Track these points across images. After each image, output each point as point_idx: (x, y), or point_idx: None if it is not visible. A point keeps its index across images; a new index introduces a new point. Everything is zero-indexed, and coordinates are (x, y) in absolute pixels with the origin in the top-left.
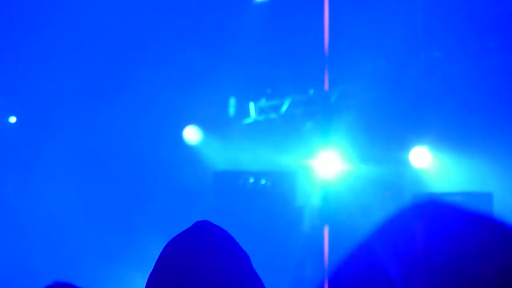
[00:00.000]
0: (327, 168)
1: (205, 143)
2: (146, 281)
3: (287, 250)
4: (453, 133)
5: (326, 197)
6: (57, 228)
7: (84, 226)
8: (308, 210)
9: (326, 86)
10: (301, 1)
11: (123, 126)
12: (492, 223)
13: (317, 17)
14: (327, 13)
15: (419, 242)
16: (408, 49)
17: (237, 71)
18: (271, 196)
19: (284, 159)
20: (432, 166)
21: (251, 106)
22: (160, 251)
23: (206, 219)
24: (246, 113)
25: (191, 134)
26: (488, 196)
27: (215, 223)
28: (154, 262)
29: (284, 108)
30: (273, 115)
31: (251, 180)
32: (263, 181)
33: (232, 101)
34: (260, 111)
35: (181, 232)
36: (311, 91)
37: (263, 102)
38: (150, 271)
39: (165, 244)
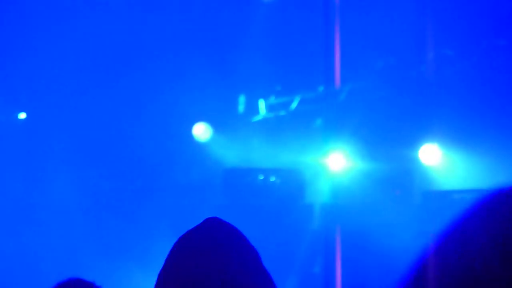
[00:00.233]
0: (337, 165)
1: (215, 140)
2: (156, 277)
3: (296, 248)
4: (463, 130)
5: (335, 194)
6: (66, 223)
7: (93, 222)
8: (318, 207)
9: (336, 83)
10: None
11: (132, 122)
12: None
13: (327, 14)
14: (338, 11)
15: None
16: (418, 46)
17: (246, 68)
18: (280, 193)
19: (293, 156)
20: (442, 163)
21: (261, 103)
22: (170, 247)
23: (215, 216)
24: (256, 110)
25: (201, 131)
26: None
27: (225, 220)
28: (164, 259)
29: (294, 105)
30: (282, 112)
31: (261, 177)
32: (272, 178)
33: (241, 98)
34: (270, 108)
35: (191, 229)
36: (321, 88)
37: (272, 99)
38: (160, 267)
39: (175, 241)
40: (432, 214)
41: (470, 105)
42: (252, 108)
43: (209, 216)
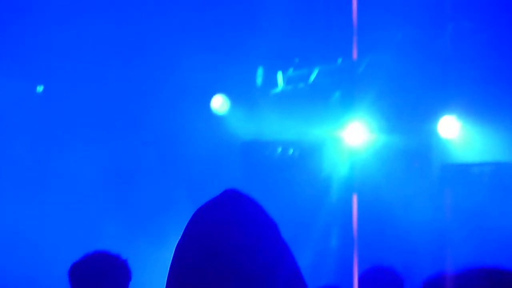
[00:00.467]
0: (355, 138)
1: (233, 113)
2: (174, 248)
3: (313, 221)
4: (481, 103)
5: (353, 167)
6: (83, 196)
7: (111, 195)
8: (336, 180)
9: (355, 55)
10: None
11: (150, 95)
12: None
13: None
14: None
15: None
16: (437, 18)
17: (265, 41)
18: (298, 166)
19: (312, 129)
20: (461, 136)
21: (279, 75)
22: (188, 219)
23: (234, 188)
24: (274, 83)
25: (219, 104)
26: None
27: (243, 192)
28: (182, 231)
29: (312, 77)
30: (301, 85)
31: (279, 150)
32: (290, 151)
33: (259, 71)
34: (288, 80)
35: (210, 200)
36: (339, 61)
37: (291, 71)
38: (178, 239)
39: (193, 213)
40: (450, 187)
41: (488, 77)
42: (270, 81)
43: (227, 188)
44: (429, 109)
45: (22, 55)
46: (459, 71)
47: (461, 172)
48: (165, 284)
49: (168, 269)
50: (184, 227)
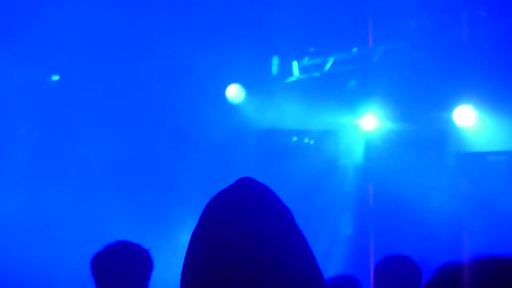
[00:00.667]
0: (371, 126)
1: (248, 102)
2: (190, 236)
3: (329, 209)
4: (497, 92)
5: (369, 156)
6: (99, 183)
7: (127, 182)
8: (351, 169)
9: (370, 44)
10: None
11: (166, 85)
12: None
13: None
14: None
15: None
16: (452, 7)
17: (280, 30)
18: (314, 154)
19: (327, 117)
20: (476, 125)
21: (294, 64)
22: (203, 207)
23: (249, 176)
24: (289, 72)
25: (234, 93)
26: None
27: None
28: (198, 218)
29: (327, 66)
30: (316, 74)
31: (294, 138)
32: (306, 140)
33: (275, 60)
34: (303, 69)
35: (224, 188)
36: (355, 50)
37: (306, 60)
38: (194, 227)
39: (208, 201)
40: (466, 176)
41: (504, 66)
42: (285, 70)
43: (242, 176)
44: (445, 98)
45: (39, 46)
46: (474, 60)
47: (477, 161)
48: (181, 272)
49: (184, 257)
50: (199, 216)
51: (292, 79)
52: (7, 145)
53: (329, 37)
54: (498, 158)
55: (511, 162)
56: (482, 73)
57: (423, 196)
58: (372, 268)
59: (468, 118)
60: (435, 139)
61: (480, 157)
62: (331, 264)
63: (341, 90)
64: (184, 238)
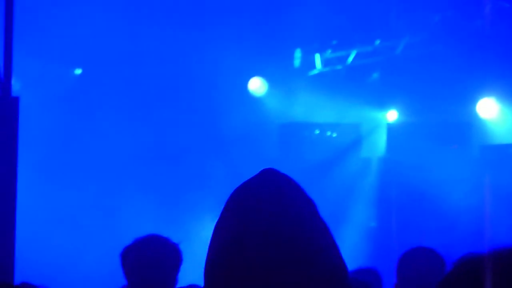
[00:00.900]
0: (393, 119)
1: (270, 95)
2: (213, 228)
3: (353, 201)
4: None
5: (392, 148)
6: (127, 177)
7: (151, 175)
8: (374, 161)
9: (392, 37)
10: None
11: (189, 78)
12: None
13: None
14: None
15: None
16: None
17: (302, 22)
18: (336, 147)
19: (349, 110)
20: (499, 117)
21: (317, 57)
22: (226, 198)
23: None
24: (312, 65)
25: (257, 86)
26: None
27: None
28: (220, 209)
29: (350, 59)
30: (338, 67)
31: (317, 131)
32: (328, 133)
33: (297, 53)
34: (326, 62)
35: (248, 180)
36: (377, 42)
37: (328, 53)
38: (217, 218)
39: (231, 192)
40: (489, 168)
41: None
42: (308, 63)
43: (265, 168)
44: (468, 90)
45: (64, 41)
46: (497, 52)
47: (500, 153)
48: (205, 263)
49: (207, 248)
50: (223, 207)
51: (315, 72)
52: (33, 139)
53: (351, 29)
54: None
55: None
56: (505, 65)
57: (446, 189)
58: (395, 260)
59: (491, 111)
60: (458, 132)
61: (504, 149)
62: (354, 257)
63: (364, 82)
64: (208, 229)
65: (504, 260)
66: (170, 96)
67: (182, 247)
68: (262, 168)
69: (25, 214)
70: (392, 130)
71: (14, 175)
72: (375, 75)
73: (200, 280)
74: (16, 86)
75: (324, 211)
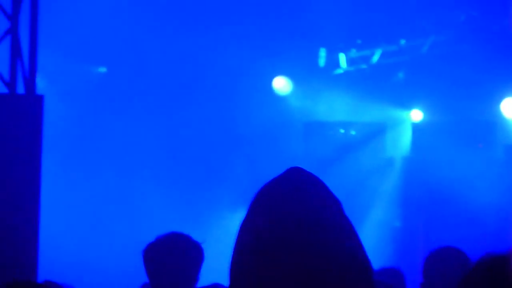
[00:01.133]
0: (418, 118)
1: (295, 94)
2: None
3: (377, 201)
4: None
5: (416, 148)
6: (151, 176)
7: (178, 175)
8: (399, 161)
9: (417, 36)
10: None
11: (214, 77)
12: None
13: None
14: None
15: None
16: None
17: (327, 21)
18: (361, 146)
19: (374, 109)
20: None
21: (341, 56)
22: (252, 197)
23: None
24: (336, 64)
25: (281, 85)
26: None
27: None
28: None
29: (375, 58)
30: (363, 66)
31: (341, 131)
32: (353, 132)
33: (322, 52)
34: (351, 61)
35: (274, 178)
36: (402, 42)
37: (353, 52)
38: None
39: (256, 190)
40: None
41: None
42: (332, 62)
43: (292, 166)
44: (493, 90)
45: (88, 40)
46: None
47: None
48: (230, 262)
49: (233, 247)
50: (249, 205)
51: (340, 71)
52: (57, 137)
53: (376, 28)
54: None
55: None
56: None
57: (470, 188)
58: (419, 260)
59: None
60: (483, 131)
61: None
62: (378, 257)
63: (389, 82)
64: (228, 226)
65: None
66: (194, 95)
67: (208, 246)
68: (286, 167)
69: (48, 212)
70: (416, 129)
71: (38, 173)
72: (400, 75)
73: (220, 278)
74: (40, 84)
75: (348, 211)
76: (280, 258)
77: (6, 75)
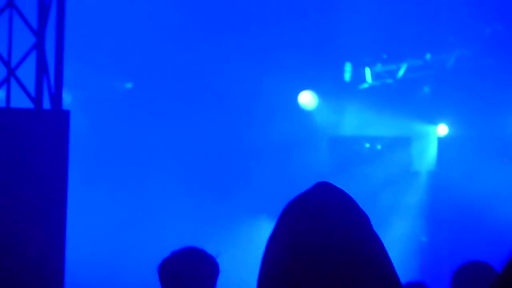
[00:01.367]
0: (444, 132)
1: (321, 108)
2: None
3: (404, 215)
4: None
5: (442, 162)
6: (174, 188)
7: (202, 188)
8: (424, 175)
9: (443, 50)
10: None
11: (240, 91)
12: None
13: None
14: None
15: None
16: None
17: (352, 36)
18: (386, 161)
19: (400, 124)
20: None
21: (367, 71)
22: (279, 212)
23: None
24: (362, 78)
25: (307, 99)
26: None
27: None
28: (274, 223)
29: (401, 73)
30: (389, 80)
31: (367, 145)
32: (378, 146)
33: (348, 66)
34: (376, 76)
35: (302, 193)
36: (428, 56)
37: (379, 67)
38: (270, 231)
39: (283, 206)
40: None
41: None
42: (358, 76)
43: (319, 181)
44: None
45: (115, 55)
46: None
47: None
48: (258, 275)
49: (260, 261)
50: (276, 220)
51: (365, 85)
52: (83, 152)
53: (402, 43)
54: None
55: None
56: None
57: (497, 203)
58: (446, 274)
59: None
60: (509, 145)
61: None
62: (405, 271)
63: (415, 96)
64: (251, 235)
65: None
66: (220, 109)
67: (231, 258)
68: (311, 181)
69: (74, 225)
70: (442, 143)
71: (65, 188)
72: (426, 89)
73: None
74: (66, 99)
75: (375, 225)
76: (311, 274)
77: (32, 91)
